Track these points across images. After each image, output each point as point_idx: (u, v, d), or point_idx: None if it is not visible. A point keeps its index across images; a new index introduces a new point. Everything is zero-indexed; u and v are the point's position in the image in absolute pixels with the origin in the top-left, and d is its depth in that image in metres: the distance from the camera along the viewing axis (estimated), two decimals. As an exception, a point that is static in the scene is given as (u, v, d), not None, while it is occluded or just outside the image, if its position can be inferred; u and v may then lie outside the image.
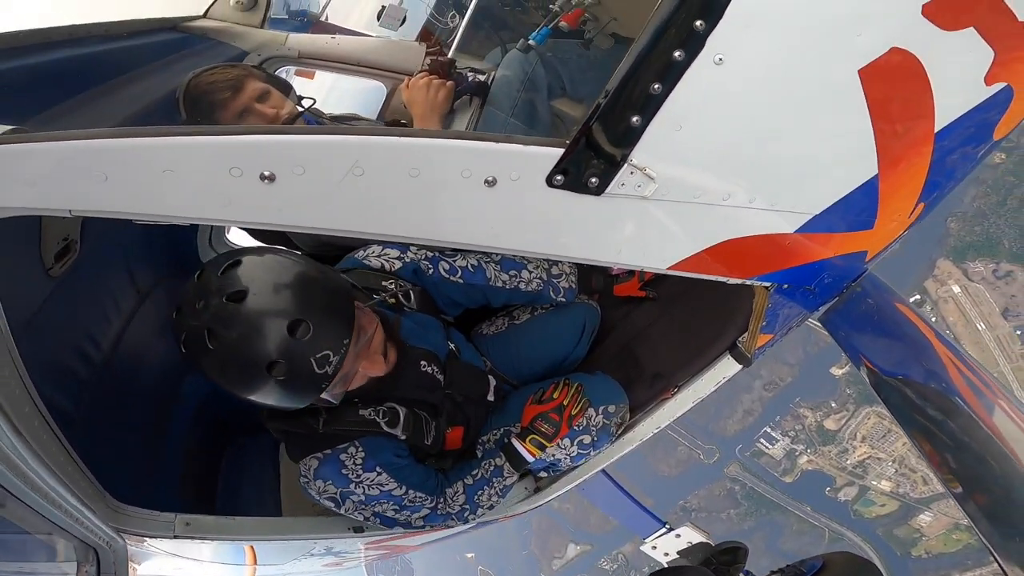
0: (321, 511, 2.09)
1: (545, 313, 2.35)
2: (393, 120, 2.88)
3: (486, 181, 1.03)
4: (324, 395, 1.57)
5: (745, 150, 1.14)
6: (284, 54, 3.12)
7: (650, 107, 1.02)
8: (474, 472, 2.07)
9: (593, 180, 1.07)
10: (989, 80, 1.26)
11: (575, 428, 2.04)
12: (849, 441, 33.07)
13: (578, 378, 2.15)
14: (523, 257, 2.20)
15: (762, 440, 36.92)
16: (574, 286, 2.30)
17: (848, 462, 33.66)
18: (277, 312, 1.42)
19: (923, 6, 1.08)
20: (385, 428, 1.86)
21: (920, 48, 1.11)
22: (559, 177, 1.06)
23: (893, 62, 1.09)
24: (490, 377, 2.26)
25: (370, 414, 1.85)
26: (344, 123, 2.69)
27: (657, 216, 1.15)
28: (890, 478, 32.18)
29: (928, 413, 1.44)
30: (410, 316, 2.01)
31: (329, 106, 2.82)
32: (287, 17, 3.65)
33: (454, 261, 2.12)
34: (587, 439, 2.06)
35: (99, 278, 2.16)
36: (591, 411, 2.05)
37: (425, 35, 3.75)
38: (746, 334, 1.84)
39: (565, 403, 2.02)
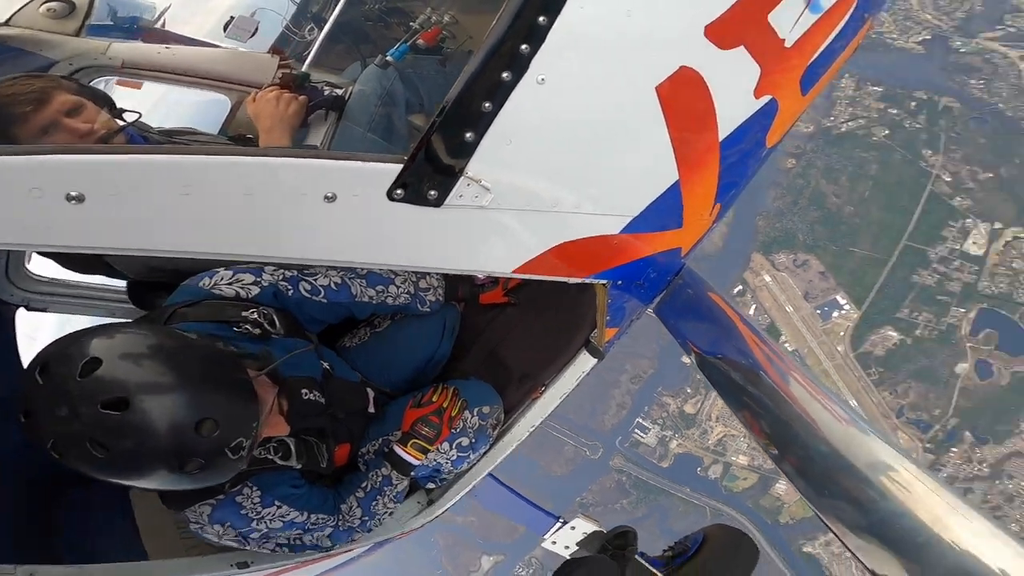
0: (202, 551, 1.93)
1: (405, 317, 2.38)
2: (238, 135, 2.72)
3: (325, 197, 1.05)
4: None
5: (568, 160, 1.28)
6: (103, 63, 2.81)
7: (482, 123, 1.13)
8: (363, 485, 2.06)
9: (432, 193, 1.14)
10: (758, 93, 1.52)
11: (454, 431, 2.09)
12: (707, 422, 37.05)
13: (453, 383, 2.20)
14: (391, 271, 2.21)
15: (637, 430, 39.95)
16: (441, 299, 2.36)
17: (709, 442, 37.62)
18: (176, 416, 1.30)
19: (706, 27, 1.28)
20: (279, 462, 1.82)
21: (703, 65, 1.32)
22: (399, 191, 1.11)
23: (683, 79, 1.30)
24: (368, 389, 2.25)
25: (260, 453, 1.78)
26: (178, 138, 2.47)
27: (496, 223, 1.25)
28: (745, 452, 36.40)
29: (741, 385, 1.69)
30: (278, 344, 1.89)
31: (160, 120, 2.59)
32: (112, 24, 3.27)
33: (315, 280, 2.05)
34: (465, 441, 2.13)
35: None
36: (467, 413, 2.12)
37: (277, 48, 3.59)
38: (596, 330, 2.03)
39: (444, 405, 2.07)
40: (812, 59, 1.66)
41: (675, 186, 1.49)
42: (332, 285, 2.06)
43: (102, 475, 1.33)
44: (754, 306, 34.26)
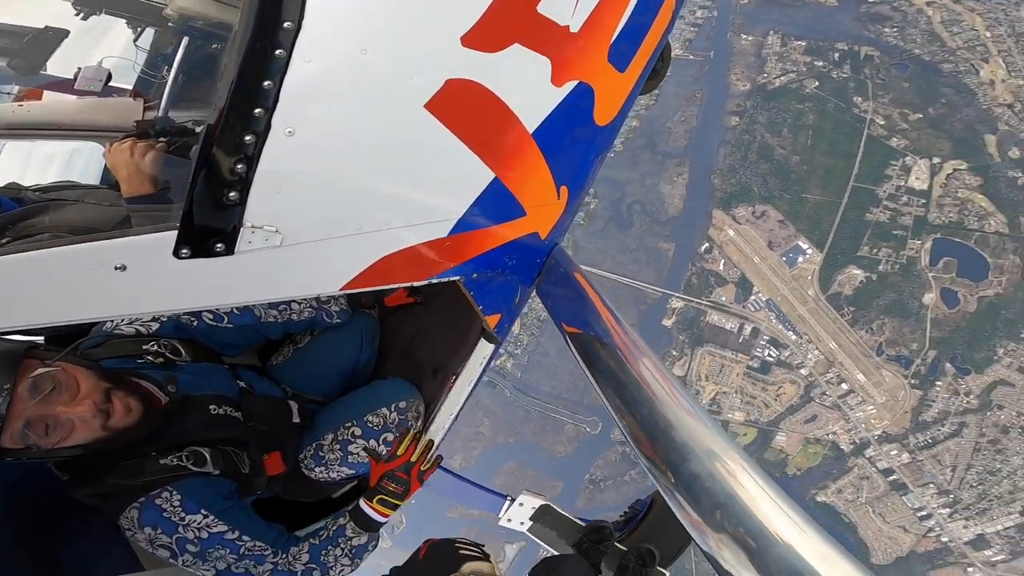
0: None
1: (323, 331, 2.49)
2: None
3: (115, 268, 1.14)
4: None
5: (356, 190, 1.32)
6: (-50, 130, 2.69)
7: (241, 183, 1.17)
8: (320, 533, 2.09)
9: (220, 246, 1.20)
10: (557, 81, 1.55)
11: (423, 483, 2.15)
12: (697, 383, 37.42)
13: (374, 385, 2.37)
14: None
15: (631, 401, 40.09)
16: (346, 307, 2.48)
17: (704, 401, 38.03)
18: None
19: (461, 38, 1.30)
20: (193, 469, 1.92)
21: (474, 73, 1.35)
22: (185, 251, 1.18)
23: (453, 91, 1.32)
24: (291, 402, 2.34)
25: (172, 461, 1.91)
26: (53, 193, 2.47)
27: (303, 256, 1.30)
28: (739, 408, 36.85)
29: (602, 359, 1.74)
30: (185, 369, 2.08)
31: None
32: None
33: (218, 308, 2.16)
34: (390, 436, 2.24)
35: None
36: (385, 409, 2.25)
37: (137, 91, 3.54)
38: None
39: (413, 460, 2.11)
40: (613, 37, 1.69)
41: (495, 182, 1.56)
42: (235, 311, 2.21)
43: None
44: (723, 261, 34.79)
